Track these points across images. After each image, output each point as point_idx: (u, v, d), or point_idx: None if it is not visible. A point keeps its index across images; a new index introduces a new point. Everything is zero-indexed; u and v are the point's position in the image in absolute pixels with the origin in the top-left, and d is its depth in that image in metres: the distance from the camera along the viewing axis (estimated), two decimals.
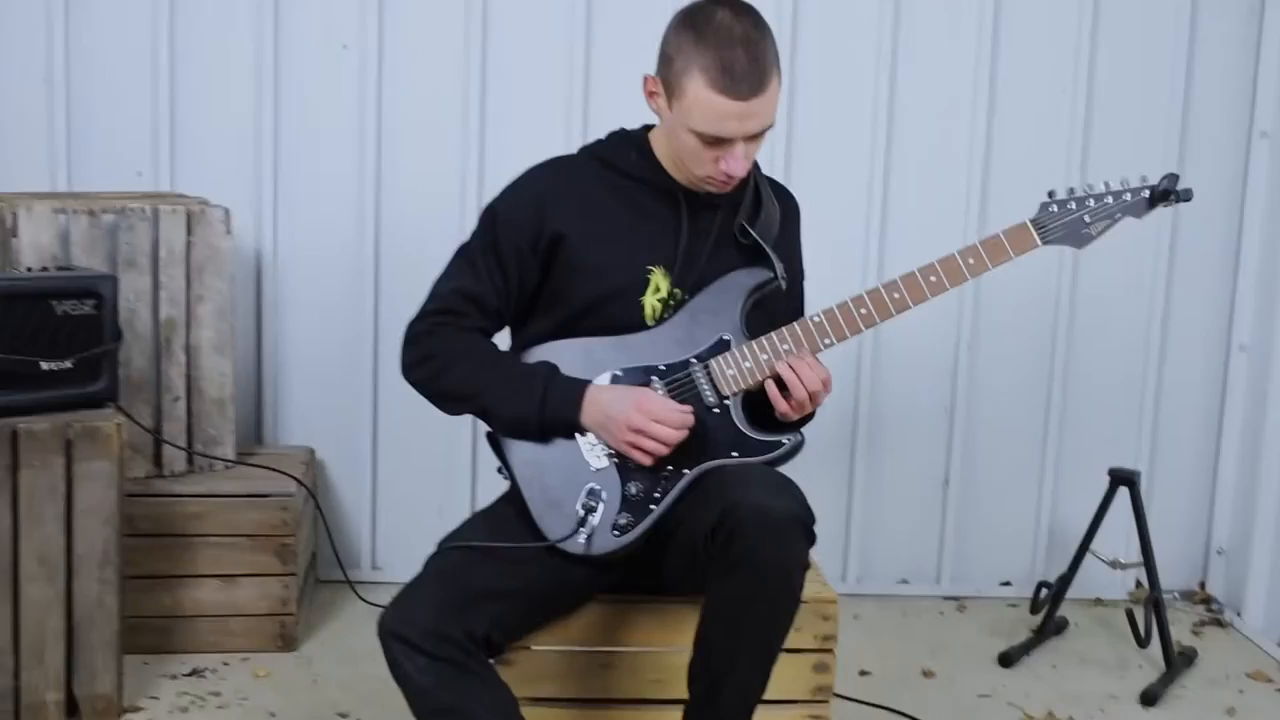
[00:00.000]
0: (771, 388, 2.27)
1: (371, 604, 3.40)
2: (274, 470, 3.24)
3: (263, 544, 3.13)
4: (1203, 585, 3.81)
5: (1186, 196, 2.34)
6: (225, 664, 3.06)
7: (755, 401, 2.30)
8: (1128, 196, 2.35)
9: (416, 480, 3.65)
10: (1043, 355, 3.72)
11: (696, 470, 2.24)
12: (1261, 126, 3.61)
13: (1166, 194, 2.33)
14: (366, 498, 3.66)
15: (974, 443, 3.74)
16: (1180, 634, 3.45)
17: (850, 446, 3.70)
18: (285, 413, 3.61)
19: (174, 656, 3.06)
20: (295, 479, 3.21)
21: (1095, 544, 3.32)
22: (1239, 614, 3.61)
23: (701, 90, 2.17)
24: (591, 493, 2.25)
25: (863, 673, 3.15)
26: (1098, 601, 3.67)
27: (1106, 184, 2.36)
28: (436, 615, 2.09)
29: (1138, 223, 2.37)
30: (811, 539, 2.12)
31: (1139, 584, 3.64)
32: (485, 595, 2.15)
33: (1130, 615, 3.23)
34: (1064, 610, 3.46)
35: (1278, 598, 3.47)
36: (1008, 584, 3.74)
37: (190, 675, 2.99)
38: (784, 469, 2.25)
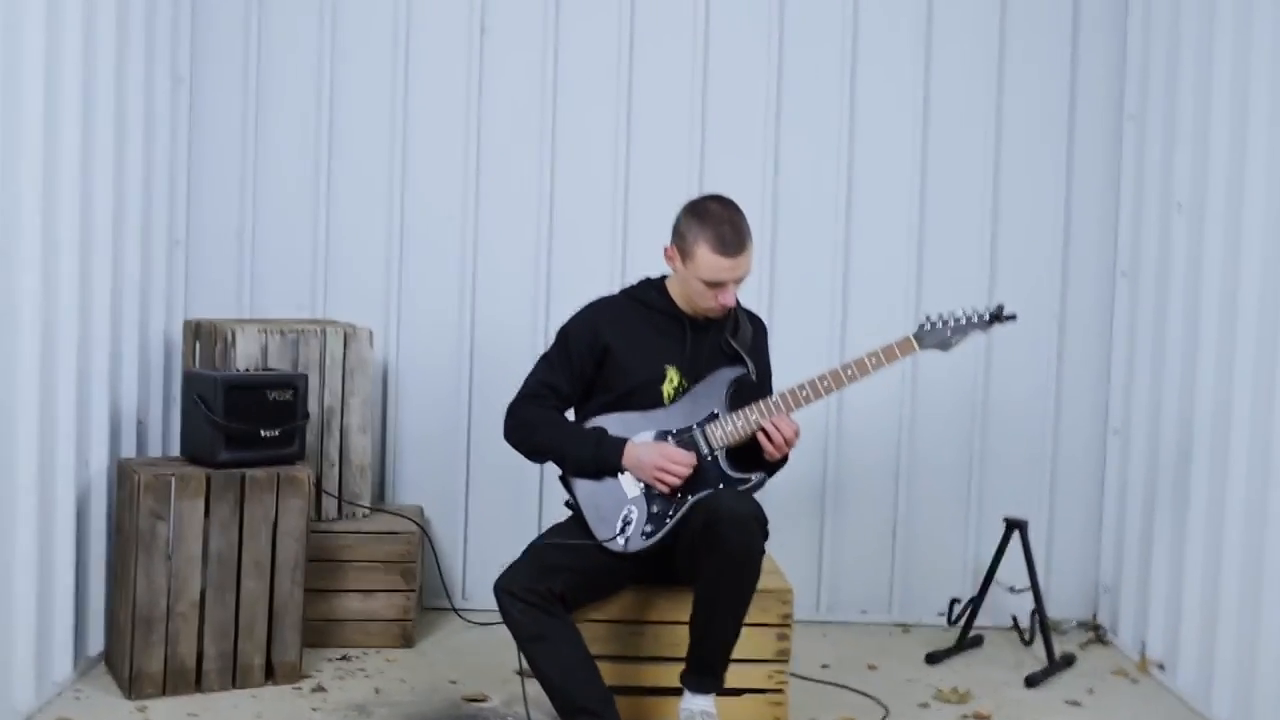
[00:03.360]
0: (761, 438, 3.35)
1: (468, 620, 4.52)
2: (399, 515, 4.35)
3: (392, 568, 4.21)
4: (1095, 616, 4.76)
5: (1012, 317, 3.51)
6: (364, 654, 4.17)
7: (736, 452, 3.42)
8: (975, 318, 3.49)
9: (498, 534, 4.58)
10: (966, 436, 4.71)
11: (696, 497, 3.34)
12: (1122, 267, 4.64)
13: (998, 316, 3.50)
14: (460, 545, 4.70)
15: (915, 503, 4.72)
16: (1070, 649, 4.48)
17: (820, 506, 4.72)
18: (402, 479, 4.70)
19: (328, 649, 4.16)
20: (415, 522, 4.34)
21: (1001, 576, 4.35)
22: (1116, 634, 4.63)
23: (706, 254, 3.31)
24: (628, 511, 3.37)
25: (823, 666, 4.23)
26: (1013, 627, 4.70)
27: (964, 309, 3.50)
28: (530, 577, 3.22)
29: (983, 335, 3.54)
30: (765, 533, 3.23)
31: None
32: (561, 569, 3.27)
33: (1015, 620, 4.33)
34: (985, 634, 4.51)
35: (1141, 620, 4.38)
36: (943, 613, 4.66)
37: (341, 659, 4.11)
38: (759, 497, 3.34)
